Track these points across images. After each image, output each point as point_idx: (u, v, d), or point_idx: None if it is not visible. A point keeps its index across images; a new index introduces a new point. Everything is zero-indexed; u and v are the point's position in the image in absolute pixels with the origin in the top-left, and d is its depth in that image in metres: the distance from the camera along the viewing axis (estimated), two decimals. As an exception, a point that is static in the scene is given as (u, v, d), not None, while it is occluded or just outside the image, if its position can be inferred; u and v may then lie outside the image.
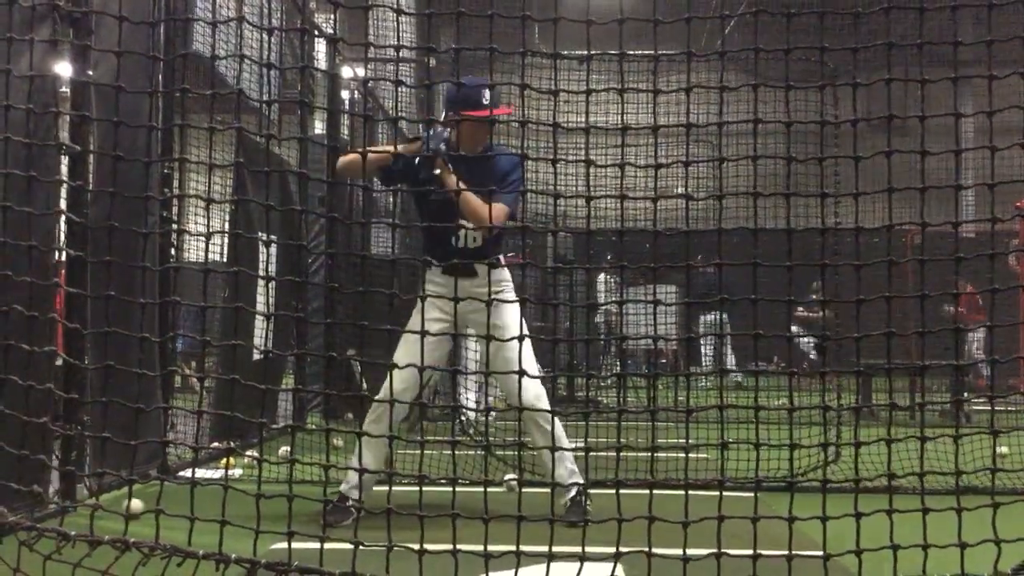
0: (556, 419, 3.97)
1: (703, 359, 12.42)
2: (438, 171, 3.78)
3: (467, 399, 7.51)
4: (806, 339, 11.36)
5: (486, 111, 3.76)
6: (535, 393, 3.83)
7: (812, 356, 11.57)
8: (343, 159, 4.01)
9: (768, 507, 2.43)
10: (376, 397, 4.00)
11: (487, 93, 3.83)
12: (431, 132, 3.86)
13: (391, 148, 4.05)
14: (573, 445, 4.19)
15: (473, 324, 4.07)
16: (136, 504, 2.91)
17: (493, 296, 3.55)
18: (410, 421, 7.77)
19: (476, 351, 7.86)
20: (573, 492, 3.98)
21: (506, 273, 4.14)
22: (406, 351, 3.81)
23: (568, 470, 4.00)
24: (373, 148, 4.02)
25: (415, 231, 4.13)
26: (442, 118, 3.97)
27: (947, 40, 2.32)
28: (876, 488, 2.55)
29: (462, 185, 3.71)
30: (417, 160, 3.87)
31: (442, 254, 3.89)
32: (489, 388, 7.72)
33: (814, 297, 10.22)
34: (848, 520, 2.26)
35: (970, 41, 2.40)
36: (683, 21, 2.46)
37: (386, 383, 3.58)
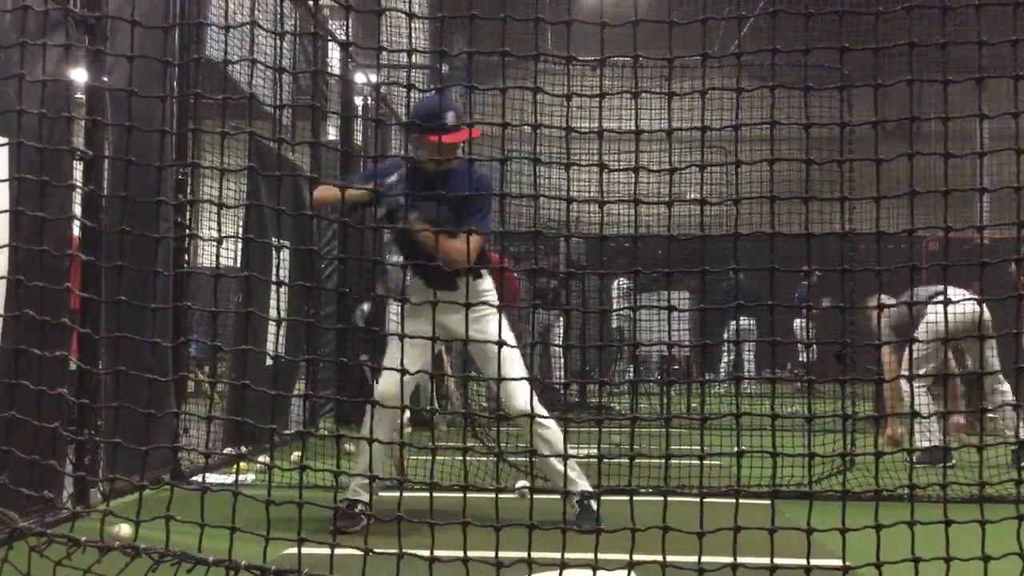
0: (553, 424, 4.00)
1: (720, 366, 12.37)
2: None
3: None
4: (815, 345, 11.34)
5: (449, 134, 3.88)
6: (525, 399, 3.82)
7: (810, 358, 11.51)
8: (320, 193, 4.04)
9: (783, 514, 2.40)
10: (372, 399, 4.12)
11: (451, 115, 3.92)
12: (396, 177, 3.93)
13: (359, 188, 4.03)
14: (586, 452, 4.18)
15: (457, 333, 4.10)
16: (125, 529, 2.91)
17: (471, 306, 3.65)
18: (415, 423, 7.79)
19: (451, 363, 8.00)
20: (579, 495, 4.01)
21: (486, 283, 4.18)
22: (393, 356, 3.94)
23: (574, 472, 4.02)
24: (347, 186, 4.06)
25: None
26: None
27: (970, 40, 2.28)
28: (895, 497, 2.52)
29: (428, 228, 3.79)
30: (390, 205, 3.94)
31: (425, 271, 3.97)
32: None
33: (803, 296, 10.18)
34: (866, 529, 2.23)
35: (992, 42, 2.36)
36: (698, 25, 2.43)
37: (376, 387, 3.83)
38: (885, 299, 7.70)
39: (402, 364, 2.57)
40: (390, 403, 2.90)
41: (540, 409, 4.03)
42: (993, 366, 5.79)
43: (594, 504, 4.00)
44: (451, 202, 3.87)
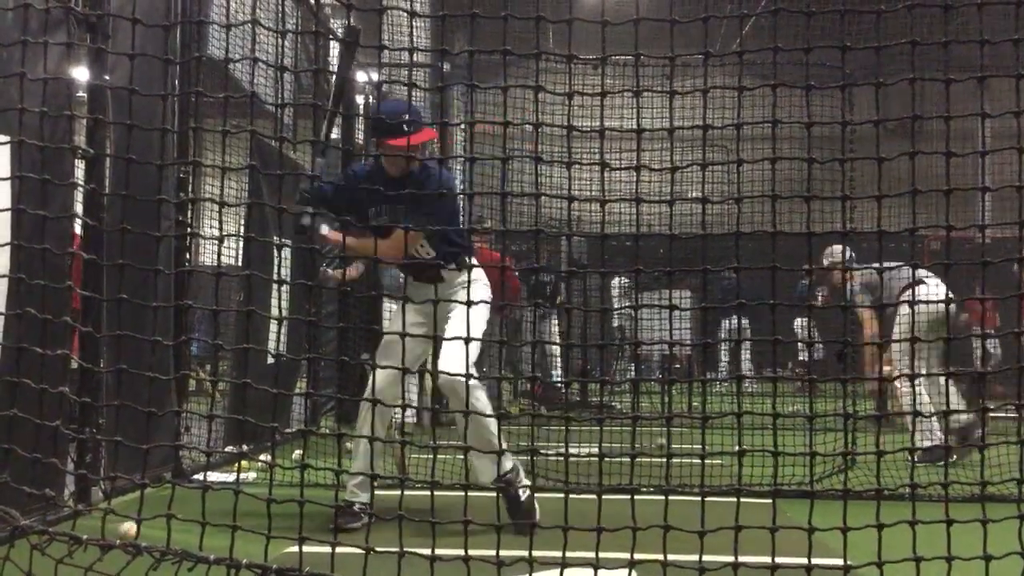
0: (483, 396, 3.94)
1: (719, 365, 12.38)
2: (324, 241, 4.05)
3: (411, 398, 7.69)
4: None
5: (404, 139, 3.90)
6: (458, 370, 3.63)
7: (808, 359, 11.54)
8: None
9: (784, 513, 2.40)
10: (363, 398, 4.16)
11: (407, 119, 3.92)
12: (310, 218, 4.05)
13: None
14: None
15: (440, 323, 4.13)
16: (133, 528, 2.92)
17: (454, 295, 3.80)
18: (421, 425, 7.78)
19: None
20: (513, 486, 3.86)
21: (475, 273, 4.14)
22: (386, 352, 3.98)
23: (494, 462, 3.81)
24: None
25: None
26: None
27: (972, 39, 2.27)
28: (896, 496, 2.51)
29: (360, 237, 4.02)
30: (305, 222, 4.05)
31: (409, 266, 4.09)
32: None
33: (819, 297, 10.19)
34: (867, 528, 2.22)
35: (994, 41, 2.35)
36: (699, 24, 2.43)
37: (369, 384, 3.84)
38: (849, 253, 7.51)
39: (403, 362, 2.56)
40: (384, 400, 2.89)
41: (475, 393, 3.87)
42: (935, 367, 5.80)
43: (523, 494, 3.82)
44: (417, 203, 3.88)
